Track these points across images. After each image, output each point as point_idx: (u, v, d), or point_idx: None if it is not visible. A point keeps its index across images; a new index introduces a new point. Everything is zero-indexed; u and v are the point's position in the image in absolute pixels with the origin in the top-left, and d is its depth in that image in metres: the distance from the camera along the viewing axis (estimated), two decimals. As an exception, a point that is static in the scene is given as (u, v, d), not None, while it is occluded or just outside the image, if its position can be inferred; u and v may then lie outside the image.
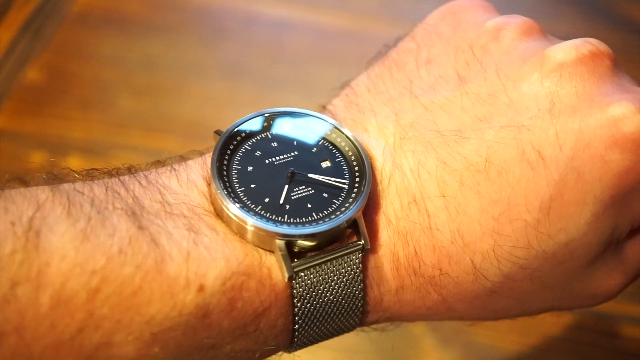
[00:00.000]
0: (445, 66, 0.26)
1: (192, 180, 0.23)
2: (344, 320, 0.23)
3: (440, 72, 0.26)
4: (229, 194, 0.22)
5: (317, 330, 0.23)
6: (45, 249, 0.18)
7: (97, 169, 0.23)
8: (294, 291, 0.22)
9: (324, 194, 0.23)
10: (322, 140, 0.25)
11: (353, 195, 0.23)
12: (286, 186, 0.23)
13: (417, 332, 0.39)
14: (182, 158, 0.24)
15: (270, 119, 0.25)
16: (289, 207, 0.22)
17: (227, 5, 0.57)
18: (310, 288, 0.22)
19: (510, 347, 0.39)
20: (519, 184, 0.22)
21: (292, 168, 0.23)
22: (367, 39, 0.55)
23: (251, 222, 0.21)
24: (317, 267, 0.22)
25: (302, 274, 0.22)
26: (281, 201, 0.23)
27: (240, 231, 0.22)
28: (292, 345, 0.23)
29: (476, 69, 0.25)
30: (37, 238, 0.18)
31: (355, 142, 0.24)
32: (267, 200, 0.22)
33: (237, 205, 0.22)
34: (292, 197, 0.23)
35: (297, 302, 0.22)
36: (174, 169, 0.23)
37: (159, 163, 0.24)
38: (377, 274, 0.23)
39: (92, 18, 0.55)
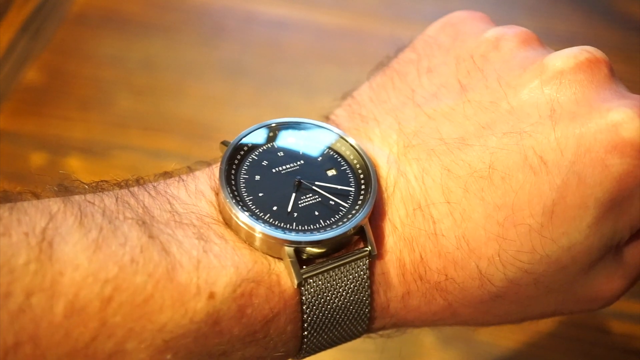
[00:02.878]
0: (446, 75, 0.26)
1: (200, 190, 0.23)
2: (352, 327, 0.24)
3: (441, 81, 0.26)
4: (237, 203, 0.22)
5: (325, 336, 0.23)
6: (58, 258, 0.19)
7: (106, 181, 0.23)
8: (303, 297, 0.22)
9: (331, 202, 0.24)
10: (328, 150, 0.25)
11: (359, 202, 0.23)
12: (293, 194, 0.23)
13: (418, 331, 0.39)
14: (190, 169, 0.25)
15: (275, 130, 0.25)
16: (297, 215, 0.23)
17: (226, 5, 0.57)
18: (319, 294, 0.22)
19: (511, 345, 0.39)
20: (523, 189, 0.22)
21: (298, 177, 0.24)
22: (366, 38, 0.55)
23: (260, 229, 0.22)
24: (325, 274, 0.22)
25: (311, 280, 0.22)
26: (289, 209, 0.23)
27: (249, 239, 0.22)
28: (300, 351, 0.23)
29: (477, 77, 0.25)
30: (50, 248, 0.19)
31: (360, 151, 0.24)
32: (275, 208, 0.23)
33: (246, 213, 0.22)
34: (300, 205, 0.23)
35: (306, 308, 0.22)
36: (182, 180, 0.24)
37: (167, 174, 0.24)
38: (383, 280, 0.24)
39: (92, 18, 0.55)
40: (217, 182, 0.23)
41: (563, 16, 0.57)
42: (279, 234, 0.22)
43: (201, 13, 0.57)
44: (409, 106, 0.26)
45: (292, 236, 0.22)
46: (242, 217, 0.22)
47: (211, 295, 0.20)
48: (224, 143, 0.25)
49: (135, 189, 0.23)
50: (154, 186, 0.23)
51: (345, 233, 0.22)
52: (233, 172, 0.24)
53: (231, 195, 0.23)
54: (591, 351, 0.39)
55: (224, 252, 0.21)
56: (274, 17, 0.56)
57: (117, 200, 0.21)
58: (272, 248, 0.22)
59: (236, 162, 0.24)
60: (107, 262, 0.19)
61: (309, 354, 0.24)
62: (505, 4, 0.57)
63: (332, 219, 0.23)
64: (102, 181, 0.23)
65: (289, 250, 0.22)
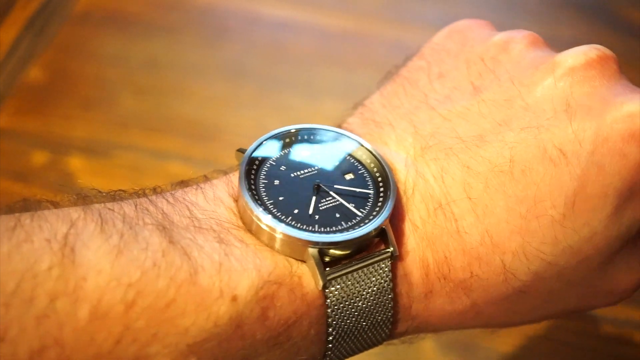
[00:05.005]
0: (458, 79, 0.26)
1: (218, 197, 0.23)
2: (375, 331, 0.24)
3: (454, 84, 0.26)
4: (259, 205, 0.22)
5: (349, 341, 0.23)
6: (81, 263, 0.19)
7: (124, 190, 0.23)
8: (328, 300, 0.22)
9: (351, 204, 0.24)
10: (345, 155, 0.25)
11: (379, 204, 0.24)
12: (314, 198, 0.24)
13: (415, 335, 0.39)
14: (207, 178, 0.25)
15: (292, 136, 0.26)
16: (318, 218, 0.23)
17: (229, 6, 0.57)
18: (343, 296, 0.22)
19: (510, 350, 0.39)
20: (543, 181, 0.23)
21: (317, 180, 0.24)
22: (370, 40, 0.55)
23: (282, 230, 0.22)
24: (349, 275, 0.22)
25: (335, 282, 0.22)
26: (310, 212, 0.23)
27: (270, 242, 0.22)
28: (325, 358, 0.23)
29: (490, 78, 0.25)
30: (72, 254, 0.19)
31: (377, 155, 0.25)
32: (296, 211, 0.23)
33: (268, 215, 0.22)
34: (320, 208, 0.23)
35: (331, 311, 0.22)
36: (200, 187, 0.24)
37: (184, 183, 0.24)
38: (406, 281, 0.24)
39: (95, 18, 0.55)
40: (236, 188, 0.23)
41: (567, 22, 0.57)
42: (303, 235, 0.22)
43: (204, 14, 0.57)
44: (423, 109, 0.26)
45: (316, 237, 0.22)
46: (265, 219, 0.22)
47: (234, 299, 0.20)
48: (241, 150, 0.25)
49: (153, 197, 0.23)
50: (171, 194, 0.23)
51: (368, 233, 0.23)
52: (252, 177, 0.24)
53: (252, 198, 0.23)
54: (590, 358, 0.39)
55: (245, 255, 0.21)
56: (278, 19, 0.56)
57: (136, 207, 0.21)
58: (295, 250, 0.22)
59: (255, 167, 0.24)
60: (130, 266, 0.19)
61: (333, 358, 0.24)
62: (510, 10, 0.57)
63: (354, 220, 0.23)
64: (119, 190, 0.23)
65: (313, 251, 0.22)
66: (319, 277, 0.22)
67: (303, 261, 0.22)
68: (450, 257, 0.23)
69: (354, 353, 0.24)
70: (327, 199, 0.24)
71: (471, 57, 0.27)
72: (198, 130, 0.48)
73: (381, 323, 0.23)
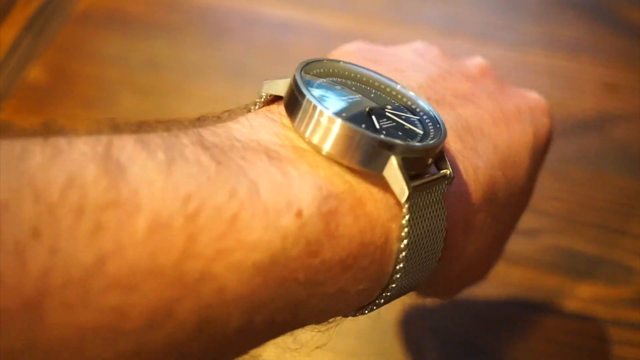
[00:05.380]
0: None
1: (254, 119, 0.22)
2: (429, 260, 0.22)
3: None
4: (327, 109, 0.20)
5: (413, 270, 0.22)
6: (130, 175, 0.16)
7: (146, 121, 0.21)
8: (407, 216, 0.20)
9: (406, 127, 0.22)
10: (376, 90, 0.24)
11: (431, 129, 0.23)
12: (373, 116, 0.22)
13: (417, 336, 0.39)
14: (230, 110, 0.23)
15: (324, 67, 0.24)
16: (386, 133, 0.21)
17: (230, 6, 0.57)
18: (418, 212, 0.21)
19: (509, 351, 0.39)
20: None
21: (368, 105, 0.23)
22: (370, 40, 0.55)
23: (364, 133, 0.20)
24: (423, 191, 0.21)
25: (415, 194, 0.20)
26: (377, 126, 0.21)
27: (339, 150, 0.20)
28: (386, 289, 0.22)
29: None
30: (118, 165, 0.17)
31: (408, 91, 0.24)
32: (363, 126, 0.21)
33: (340, 119, 0.20)
34: (383, 127, 0.22)
35: (407, 226, 0.21)
36: (229, 114, 0.22)
37: (204, 117, 0.23)
38: (455, 203, 0.23)
39: (96, 17, 0.55)
40: (274, 110, 0.22)
41: (567, 22, 0.57)
42: (387, 139, 0.20)
43: (205, 14, 0.57)
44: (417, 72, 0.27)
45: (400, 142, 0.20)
46: (340, 121, 0.20)
47: (298, 213, 0.18)
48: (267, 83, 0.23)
49: (182, 126, 0.21)
50: (198, 121, 0.21)
51: (440, 144, 0.22)
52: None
53: (318, 101, 0.20)
54: (590, 358, 0.39)
55: (302, 171, 0.20)
56: (278, 19, 0.56)
57: (169, 132, 0.19)
58: (373, 158, 0.20)
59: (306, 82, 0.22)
60: (184, 180, 0.17)
61: (387, 299, 0.22)
62: (510, 9, 0.57)
63: (417, 138, 0.22)
64: (142, 122, 0.21)
65: (397, 158, 0.20)
66: (404, 186, 0.20)
67: (375, 174, 0.21)
68: (494, 179, 0.25)
69: (407, 291, 0.23)
70: (383, 120, 0.22)
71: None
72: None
73: (436, 250, 0.22)
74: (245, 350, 0.20)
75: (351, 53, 0.28)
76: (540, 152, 0.29)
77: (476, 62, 0.30)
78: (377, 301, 0.22)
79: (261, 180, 0.18)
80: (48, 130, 0.18)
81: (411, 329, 0.39)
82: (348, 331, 0.38)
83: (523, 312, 0.40)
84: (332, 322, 0.22)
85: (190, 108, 0.50)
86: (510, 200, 0.27)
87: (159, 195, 0.17)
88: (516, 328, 0.40)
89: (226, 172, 0.18)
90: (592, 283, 0.41)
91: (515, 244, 0.34)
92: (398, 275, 0.21)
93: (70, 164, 0.16)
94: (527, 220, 0.33)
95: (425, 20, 0.56)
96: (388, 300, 0.22)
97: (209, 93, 0.51)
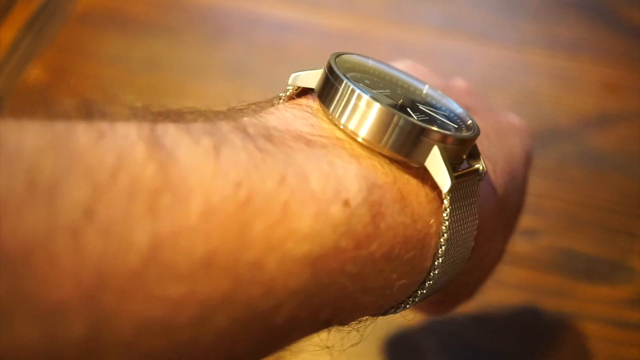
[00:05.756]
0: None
1: (286, 109, 0.21)
2: (461, 259, 0.22)
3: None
4: (366, 92, 0.20)
5: (449, 266, 0.21)
6: (178, 159, 0.16)
7: (181, 109, 0.20)
8: (447, 210, 0.20)
9: (438, 121, 0.22)
10: (405, 90, 0.24)
11: (462, 125, 0.22)
12: (407, 109, 0.21)
13: (417, 336, 0.39)
14: (255, 103, 0.22)
15: (355, 62, 0.24)
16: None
17: (230, 6, 0.57)
18: (456, 206, 0.20)
19: (508, 350, 0.39)
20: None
21: (400, 100, 0.22)
22: (370, 41, 0.55)
23: (404, 117, 0.19)
24: (460, 184, 0.21)
25: (455, 187, 0.20)
26: (414, 117, 0.21)
27: (379, 138, 0.19)
28: (423, 284, 0.21)
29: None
30: (165, 149, 0.16)
31: (436, 91, 0.24)
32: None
33: (379, 104, 0.19)
34: (418, 118, 0.21)
35: (447, 222, 0.20)
36: (258, 106, 0.21)
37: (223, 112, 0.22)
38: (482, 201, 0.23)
39: (96, 17, 0.55)
40: (307, 105, 0.21)
41: (567, 22, 0.57)
42: (429, 127, 0.19)
43: (205, 14, 0.57)
44: None
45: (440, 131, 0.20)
46: (379, 104, 0.19)
47: (346, 203, 0.18)
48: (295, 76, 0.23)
49: (216, 114, 0.20)
50: (224, 114, 0.21)
51: (477, 136, 0.21)
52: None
53: (358, 86, 0.20)
54: (590, 358, 0.39)
55: (344, 160, 0.19)
56: (279, 19, 0.56)
57: (208, 119, 0.18)
58: (415, 146, 0.20)
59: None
60: (230, 167, 0.16)
61: (420, 297, 0.22)
62: (510, 9, 0.57)
63: (452, 131, 0.21)
64: (176, 110, 0.20)
65: (440, 146, 0.20)
66: (447, 175, 0.19)
67: (416, 164, 0.20)
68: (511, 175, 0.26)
69: (438, 288, 0.22)
70: (417, 113, 0.21)
71: None
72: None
73: (469, 247, 0.22)
74: (284, 346, 0.19)
75: None
76: (528, 167, 0.29)
77: (461, 82, 0.31)
78: (411, 299, 0.22)
79: (308, 168, 0.18)
80: (89, 112, 0.17)
81: (411, 329, 0.39)
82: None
83: (523, 312, 0.40)
84: (360, 322, 0.22)
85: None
86: (516, 207, 0.27)
87: (210, 181, 0.16)
88: (516, 328, 0.40)
89: (272, 159, 0.17)
90: (592, 283, 0.41)
91: (515, 244, 0.34)
92: (436, 271, 0.21)
93: (118, 145, 0.15)
94: (527, 220, 0.33)
95: (425, 20, 0.56)
96: (421, 298, 0.22)
97: (209, 93, 0.51)
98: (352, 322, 0.21)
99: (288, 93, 0.23)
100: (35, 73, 0.51)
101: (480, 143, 0.23)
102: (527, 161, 0.29)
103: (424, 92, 0.24)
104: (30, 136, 0.14)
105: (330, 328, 0.20)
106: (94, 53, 0.53)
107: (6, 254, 0.13)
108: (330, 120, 0.21)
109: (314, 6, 0.57)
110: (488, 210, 0.24)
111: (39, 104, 0.16)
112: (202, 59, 0.53)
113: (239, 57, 0.53)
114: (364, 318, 0.21)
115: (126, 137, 0.15)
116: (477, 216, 0.22)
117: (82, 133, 0.15)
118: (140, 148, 0.15)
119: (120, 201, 0.14)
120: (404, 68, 0.29)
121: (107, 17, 0.55)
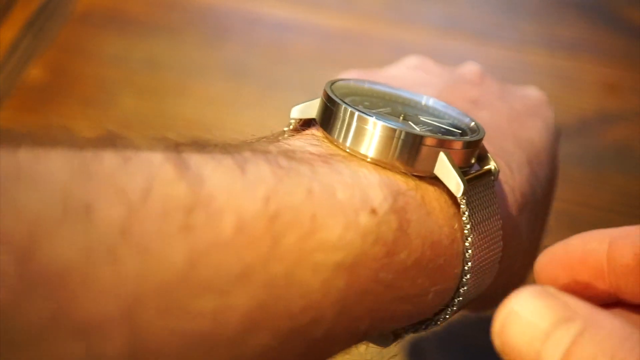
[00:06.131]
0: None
1: (295, 143, 0.21)
2: (492, 261, 0.22)
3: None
4: (370, 115, 0.20)
5: (480, 271, 0.21)
6: (206, 177, 0.16)
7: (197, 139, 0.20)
8: (466, 213, 0.20)
9: (444, 128, 0.22)
10: (405, 105, 0.24)
11: (467, 130, 0.23)
12: (410, 123, 0.22)
13: (417, 336, 0.39)
14: (261, 137, 0.23)
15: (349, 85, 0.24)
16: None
17: (230, 6, 0.57)
18: (475, 208, 0.21)
19: (510, 351, 0.39)
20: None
21: (402, 113, 0.23)
22: (370, 41, 0.55)
23: (406, 130, 0.20)
24: (475, 186, 0.21)
25: (470, 190, 0.20)
26: (417, 129, 0.21)
27: (385, 153, 0.20)
28: (456, 294, 0.21)
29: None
30: (191, 170, 0.16)
31: (436, 102, 0.24)
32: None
33: (383, 121, 0.20)
34: (422, 129, 0.22)
35: (469, 225, 0.20)
36: (270, 138, 0.22)
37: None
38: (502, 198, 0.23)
39: (96, 17, 0.55)
40: (312, 135, 0.22)
41: (567, 22, 0.57)
42: (432, 135, 0.20)
43: (205, 14, 0.57)
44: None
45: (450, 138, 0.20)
46: (382, 124, 0.20)
47: (373, 211, 0.18)
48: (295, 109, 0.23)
49: (226, 145, 0.20)
50: (235, 144, 0.21)
51: (483, 137, 0.21)
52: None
53: (358, 109, 0.20)
54: None
55: (366, 172, 0.19)
56: (279, 19, 0.56)
57: (222, 148, 0.19)
58: (422, 156, 0.20)
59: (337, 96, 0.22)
60: (258, 182, 0.17)
61: (458, 305, 0.22)
62: (510, 9, 0.57)
63: (457, 136, 0.22)
64: (193, 139, 0.20)
65: (447, 153, 0.20)
66: (458, 179, 0.20)
67: (425, 173, 0.20)
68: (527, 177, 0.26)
69: (475, 294, 0.22)
70: (419, 125, 0.22)
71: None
72: (199, 131, 0.48)
73: (498, 248, 0.22)
74: None
75: None
76: (553, 141, 0.29)
77: (472, 67, 0.30)
78: (449, 309, 0.22)
79: (332, 180, 0.18)
80: (112, 142, 0.17)
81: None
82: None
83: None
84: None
85: (190, 108, 0.50)
86: (543, 193, 0.27)
87: (239, 197, 0.16)
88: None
89: (296, 174, 0.18)
90: (592, 283, 0.41)
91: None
92: (468, 276, 0.21)
93: (145, 167, 0.15)
94: (527, 220, 0.33)
95: (425, 20, 0.56)
96: (459, 307, 0.22)
97: (209, 93, 0.51)
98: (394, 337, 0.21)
99: (291, 127, 0.23)
100: (35, 73, 0.51)
101: (491, 140, 0.24)
102: (551, 139, 0.28)
103: (424, 103, 0.24)
104: (58, 163, 0.14)
105: (367, 342, 0.21)
106: (94, 53, 0.53)
107: (45, 276, 0.13)
108: (336, 146, 0.21)
109: (314, 6, 0.57)
110: (509, 209, 0.24)
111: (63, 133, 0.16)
112: (202, 59, 0.53)
113: (239, 57, 0.53)
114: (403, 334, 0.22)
115: (152, 160, 0.16)
116: (499, 216, 0.22)
117: (108, 158, 0.15)
118: (168, 168, 0.16)
119: (154, 219, 0.14)
120: (412, 64, 0.30)
121: (107, 17, 0.55)
